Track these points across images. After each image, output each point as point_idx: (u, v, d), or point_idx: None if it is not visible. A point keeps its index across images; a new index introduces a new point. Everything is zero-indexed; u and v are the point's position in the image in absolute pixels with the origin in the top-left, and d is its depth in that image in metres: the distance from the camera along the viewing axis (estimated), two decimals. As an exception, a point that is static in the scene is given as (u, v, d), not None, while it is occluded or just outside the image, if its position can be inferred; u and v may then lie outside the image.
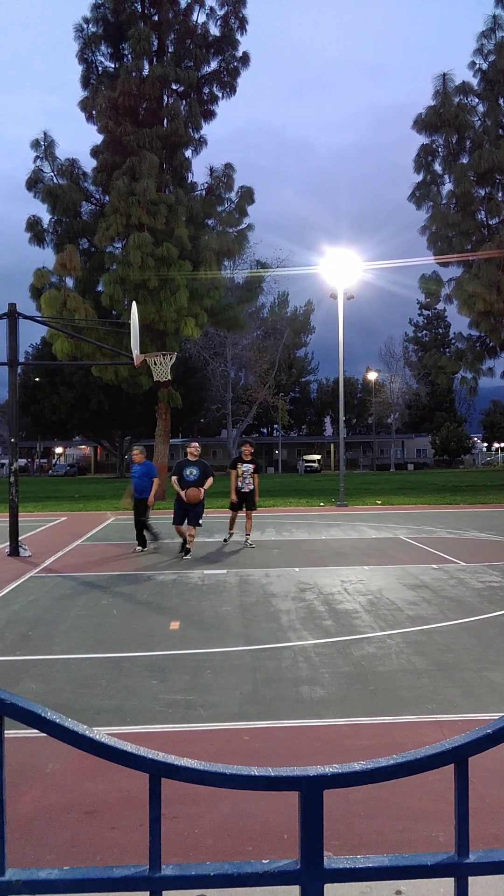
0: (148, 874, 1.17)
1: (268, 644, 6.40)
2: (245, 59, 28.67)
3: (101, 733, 1.11)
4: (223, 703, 4.90)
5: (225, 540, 13.41)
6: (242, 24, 28.51)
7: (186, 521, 11.57)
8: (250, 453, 12.90)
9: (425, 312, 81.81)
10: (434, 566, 10.70)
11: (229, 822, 3.25)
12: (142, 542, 12.47)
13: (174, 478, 11.51)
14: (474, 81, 30.93)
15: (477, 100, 30.99)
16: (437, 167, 31.24)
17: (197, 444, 11.84)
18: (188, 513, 11.47)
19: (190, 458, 11.60)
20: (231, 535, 13.36)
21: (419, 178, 31.29)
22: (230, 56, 28.47)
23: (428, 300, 37.94)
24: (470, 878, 1.37)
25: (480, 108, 30.93)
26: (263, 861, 1.31)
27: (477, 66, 30.85)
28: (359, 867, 1.34)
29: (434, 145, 31.04)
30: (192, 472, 11.46)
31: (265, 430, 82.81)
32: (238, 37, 28.48)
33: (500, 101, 30.53)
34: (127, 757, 1.08)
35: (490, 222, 30.58)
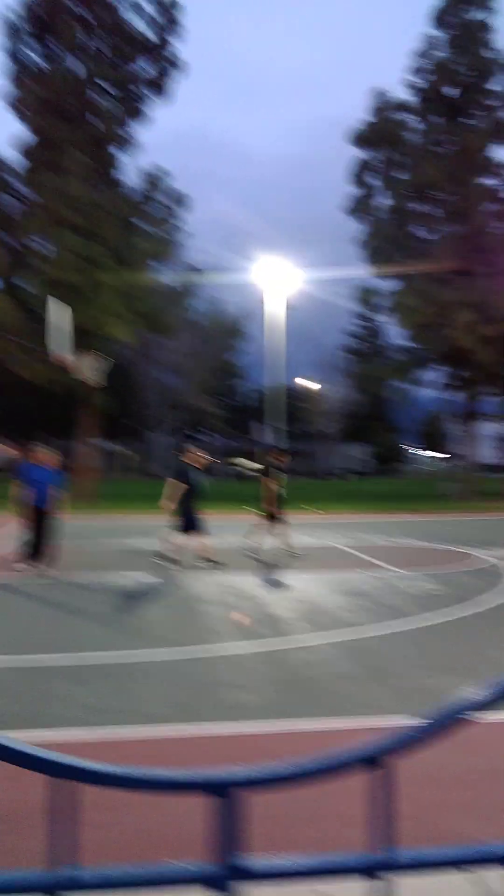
0: (50, 875, 1.14)
1: (199, 649, 6.36)
2: (176, 61, 28.69)
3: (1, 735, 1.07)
4: (150, 709, 4.84)
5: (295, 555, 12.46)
6: (175, 26, 28.52)
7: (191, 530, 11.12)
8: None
9: (364, 323, 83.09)
10: (371, 574, 10.83)
11: (147, 827, 3.20)
12: (33, 556, 10.85)
13: (173, 483, 11.02)
14: (411, 99, 31.70)
15: (414, 117, 31.76)
16: (375, 182, 31.85)
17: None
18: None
19: (196, 464, 11.23)
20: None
21: (358, 190, 31.84)
22: (162, 58, 28.47)
23: (366, 311, 38.60)
24: (392, 878, 1.38)
25: (417, 126, 31.71)
26: (177, 863, 1.30)
27: (413, 84, 31.62)
28: (275, 868, 1.34)
29: (371, 160, 31.64)
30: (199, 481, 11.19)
31: (197, 436, 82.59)
32: (170, 39, 28.49)
33: (435, 118, 31.37)
34: (29, 759, 1.05)
35: (427, 238, 31.31)
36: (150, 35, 28.24)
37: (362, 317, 79.03)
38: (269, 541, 12.44)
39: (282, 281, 25.29)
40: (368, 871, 1.36)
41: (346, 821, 3.29)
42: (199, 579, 10.24)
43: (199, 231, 33.17)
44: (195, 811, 3.25)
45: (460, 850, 1.53)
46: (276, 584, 9.85)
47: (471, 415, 31.89)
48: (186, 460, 11.42)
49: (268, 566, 11.48)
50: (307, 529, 17.66)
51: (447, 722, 1.34)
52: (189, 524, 11.09)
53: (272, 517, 12.29)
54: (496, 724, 4.47)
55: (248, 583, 9.97)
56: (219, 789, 1.26)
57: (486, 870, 1.54)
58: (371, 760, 1.37)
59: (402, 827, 3.28)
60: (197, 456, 11.43)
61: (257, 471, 12.74)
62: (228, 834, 1.27)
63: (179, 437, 67.89)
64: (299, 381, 78.44)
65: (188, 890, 1.29)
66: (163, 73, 28.63)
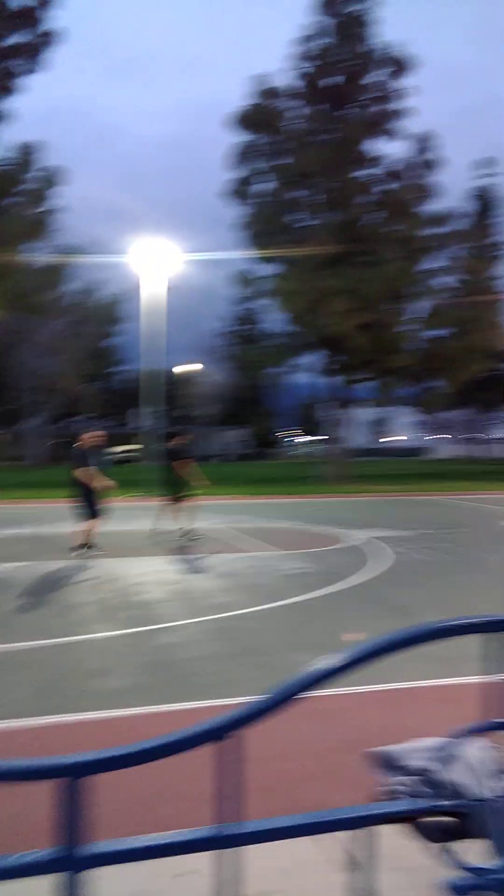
0: None
1: (62, 638, 6.24)
2: (54, 33, 27.59)
3: None
4: (7, 701, 4.70)
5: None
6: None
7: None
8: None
9: (243, 307, 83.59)
10: (244, 555, 10.98)
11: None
12: None
13: (84, 470, 10.63)
14: (293, 85, 31.98)
15: (295, 102, 32.08)
16: (257, 165, 31.99)
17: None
18: None
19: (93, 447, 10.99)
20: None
21: (238, 174, 31.88)
22: (39, 30, 27.30)
23: (247, 295, 38.86)
24: (243, 850, 1.40)
25: (300, 112, 32.07)
26: (18, 854, 1.27)
27: (298, 70, 31.90)
28: (121, 850, 1.34)
29: (254, 144, 31.75)
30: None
31: (74, 420, 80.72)
32: (48, 9, 27.34)
33: (316, 106, 31.84)
34: None
35: (306, 223, 31.82)
36: (27, 2, 26.96)
37: (242, 301, 79.66)
38: (176, 524, 12.68)
39: (161, 263, 24.99)
40: (214, 844, 1.38)
41: (204, 798, 3.33)
42: (76, 566, 10.04)
43: (76, 209, 32.18)
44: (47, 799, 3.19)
45: (310, 817, 1.58)
46: (156, 569, 9.81)
47: (345, 400, 32.85)
48: (83, 445, 10.91)
49: (165, 550, 11.43)
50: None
51: (290, 694, 1.37)
52: (92, 509, 10.76)
53: (178, 500, 12.59)
54: (346, 695, 4.67)
55: (128, 569, 9.88)
56: (63, 774, 1.24)
57: (333, 834, 1.60)
58: (217, 735, 1.39)
59: (258, 799, 3.37)
60: (93, 438, 11.02)
61: (169, 455, 12.89)
62: (74, 819, 1.26)
63: (55, 422, 65.97)
64: (179, 364, 78.16)
65: (38, 880, 1.27)
66: (39, 44, 27.44)
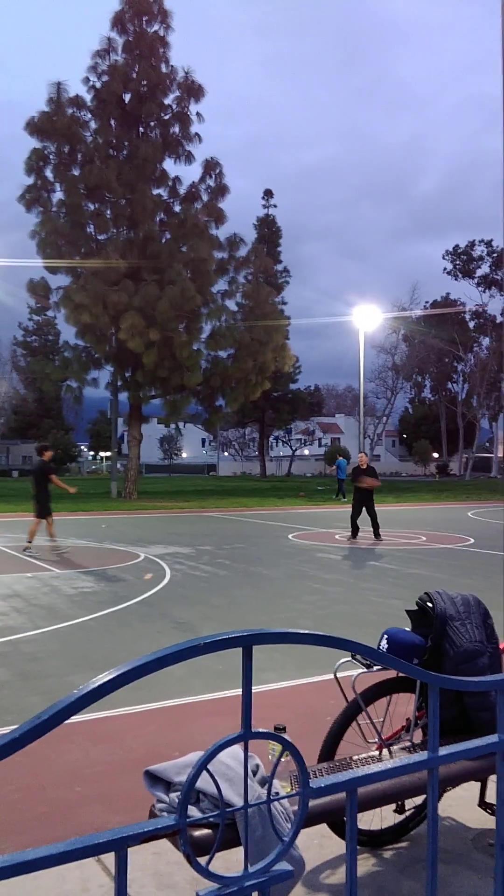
0: None
1: None
2: None
3: None
4: None
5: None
6: None
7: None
8: None
9: (35, 318, 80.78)
10: (28, 575, 10.57)
11: None
12: None
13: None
14: (88, 97, 31.66)
15: (89, 115, 31.74)
16: (49, 174, 31.20)
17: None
18: None
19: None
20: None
21: (30, 180, 30.89)
22: None
23: (37, 306, 37.59)
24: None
25: (93, 125, 31.76)
26: None
27: (91, 82, 31.60)
28: None
29: (46, 151, 30.94)
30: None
31: None
32: None
33: (110, 121, 31.72)
34: None
35: (98, 237, 31.49)
36: None
37: (36, 312, 76.86)
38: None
39: None
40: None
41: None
42: None
43: None
44: None
45: (72, 844, 1.55)
46: None
47: (136, 416, 32.78)
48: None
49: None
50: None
51: (49, 720, 1.36)
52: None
53: (47, 515, 13.40)
54: (126, 714, 4.68)
55: None
56: None
57: (96, 858, 1.60)
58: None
59: (34, 827, 3.26)
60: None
61: (46, 470, 13.59)
62: None
63: None
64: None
65: None
66: None
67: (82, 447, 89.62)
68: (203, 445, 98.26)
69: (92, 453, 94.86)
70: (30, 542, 13.12)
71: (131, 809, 3.41)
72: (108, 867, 2.81)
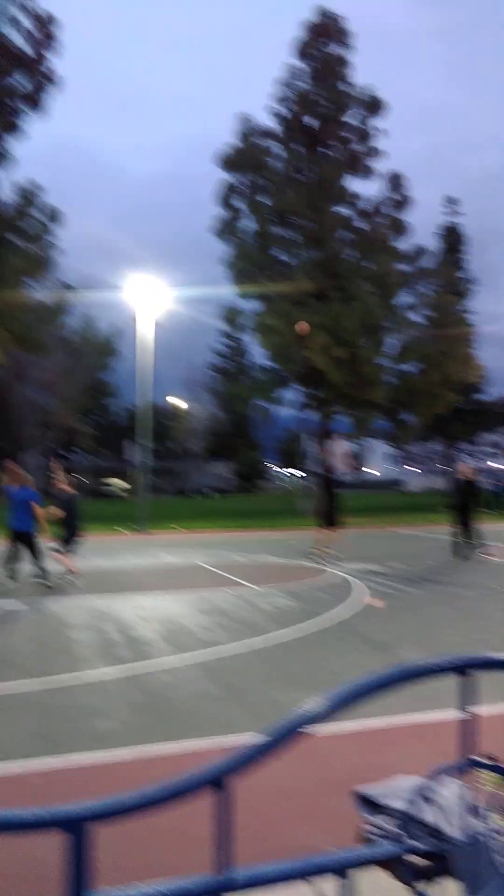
0: None
1: (60, 677, 6.25)
2: (52, 76, 28.31)
3: None
4: (9, 743, 4.73)
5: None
6: (52, 41, 28.14)
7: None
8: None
9: (227, 342, 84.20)
10: (228, 590, 11.01)
11: (4, 870, 3.14)
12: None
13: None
14: (274, 126, 32.73)
15: (276, 144, 32.80)
16: (240, 205, 32.58)
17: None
18: None
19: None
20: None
21: (223, 212, 32.44)
22: (38, 72, 28.00)
23: (231, 330, 39.26)
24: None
25: (280, 153, 32.78)
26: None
27: (277, 112, 32.67)
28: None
29: (237, 183, 32.36)
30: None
31: (67, 455, 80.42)
32: (47, 54, 28.10)
33: (297, 147, 32.56)
34: None
35: (288, 261, 32.35)
36: (27, 49, 27.64)
37: (228, 336, 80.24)
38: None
39: (152, 299, 25.21)
40: (212, 891, 1.44)
41: (201, 842, 3.37)
42: (57, 603, 10.03)
43: (71, 248, 32.63)
44: (54, 848, 3.21)
45: (297, 862, 1.63)
46: (138, 605, 9.81)
47: (325, 433, 33.07)
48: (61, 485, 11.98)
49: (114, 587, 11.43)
50: (170, 548, 17.66)
51: (284, 737, 1.45)
52: (70, 540, 11.94)
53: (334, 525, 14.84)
54: (331, 736, 4.73)
55: (110, 605, 9.87)
56: (66, 825, 1.29)
57: (322, 879, 1.68)
58: (214, 782, 1.45)
59: (248, 842, 3.41)
60: (63, 478, 12.03)
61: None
62: (78, 869, 1.31)
63: (50, 456, 65.53)
64: (168, 399, 78.31)
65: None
66: (38, 88, 28.09)
67: (273, 466, 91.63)
68: (386, 461, 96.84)
69: (282, 471, 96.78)
70: (322, 551, 14.61)
71: (330, 829, 3.45)
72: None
